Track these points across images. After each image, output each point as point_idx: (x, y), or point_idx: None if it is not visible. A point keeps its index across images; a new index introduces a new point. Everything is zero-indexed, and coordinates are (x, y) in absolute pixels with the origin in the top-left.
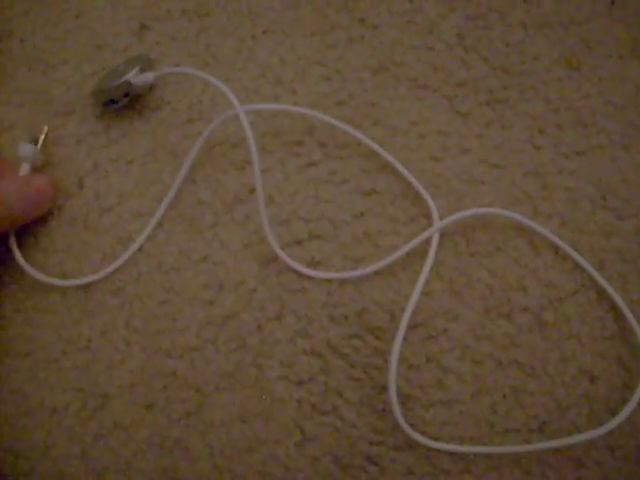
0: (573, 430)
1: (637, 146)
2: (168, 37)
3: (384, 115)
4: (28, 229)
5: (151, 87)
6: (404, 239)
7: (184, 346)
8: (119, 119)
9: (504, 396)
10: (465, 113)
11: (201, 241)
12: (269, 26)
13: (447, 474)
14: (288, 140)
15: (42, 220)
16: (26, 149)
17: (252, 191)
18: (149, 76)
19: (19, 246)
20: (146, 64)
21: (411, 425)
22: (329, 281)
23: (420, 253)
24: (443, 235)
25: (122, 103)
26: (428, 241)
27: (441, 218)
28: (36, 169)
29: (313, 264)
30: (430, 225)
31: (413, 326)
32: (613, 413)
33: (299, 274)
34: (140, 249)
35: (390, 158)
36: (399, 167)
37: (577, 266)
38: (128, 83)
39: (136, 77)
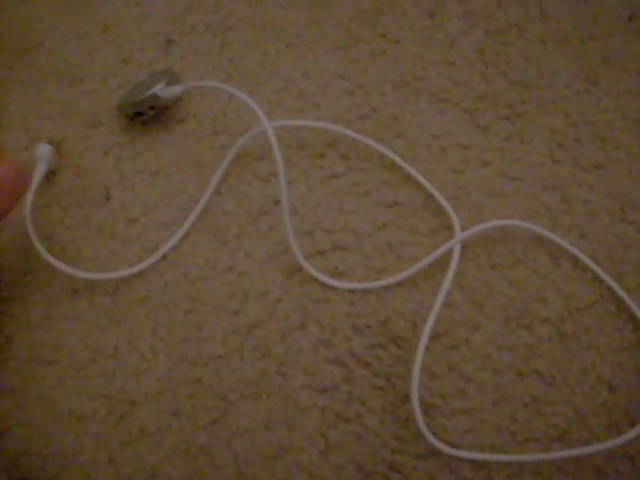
0: (593, 439)
1: None
2: (193, 51)
3: (406, 128)
4: (55, 237)
5: (176, 100)
6: (426, 250)
7: (209, 354)
8: (145, 131)
9: (525, 405)
10: (485, 127)
11: (226, 251)
12: (292, 40)
13: None
14: (311, 152)
15: (69, 229)
16: (42, 149)
17: (276, 202)
18: (176, 89)
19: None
20: (172, 78)
21: (433, 433)
22: (352, 291)
23: (441, 264)
24: (464, 246)
25: (149, 116)
26: (449, 252)
27: (462, 230)
28: (52, 172)
29: (336, 274)
30: (452, 236)
31: (435, 336)
32: (632, 423)
33: (323, 284)
34: (166, 259)
35: (412, 170)
36: (421, 179)
37: (596, 277)
38: (155, 96)
39: (163, 90)
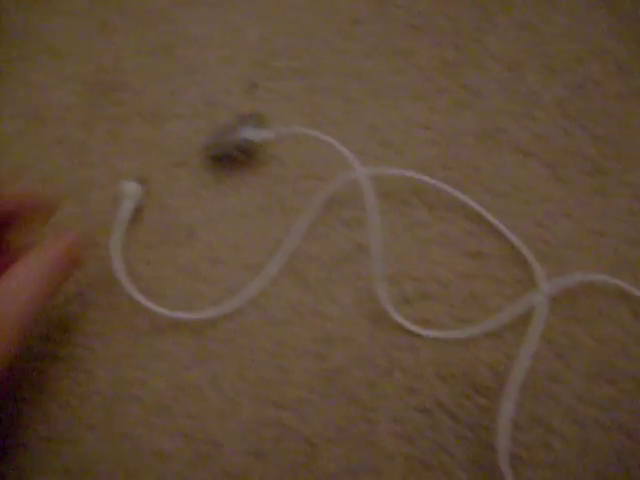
0: None
1: None
2: (277, 95)
3: (489, 180)
4: (139, 275)
5: (263, 143)
6: (510, 300)
7: (294, 398)
8: (230, 172)
9: (609, 459)
10: (567, 180)
11: (311, 296)
12: (376, 88)
13: None
14: (396, 200)
15: (153, 267)
16: (129, 187)
17: (361, 248)
18: (267, 134)
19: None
20: (260, 121)
21: None
22: (437, 340)
23: (525, 315)
24: (547, 298)
25: (238, 159)
26: (533, 303)
27: (547, 282)
28: (138, 209)
29: (422, 323)
30: (535, 288)
31: (519, 387)
32: None
33: (408, 332)
34: (251, 301)
35: (496, 222)
36: (505, 230)
37: None
38: (245, 140)
39: (254, 134)
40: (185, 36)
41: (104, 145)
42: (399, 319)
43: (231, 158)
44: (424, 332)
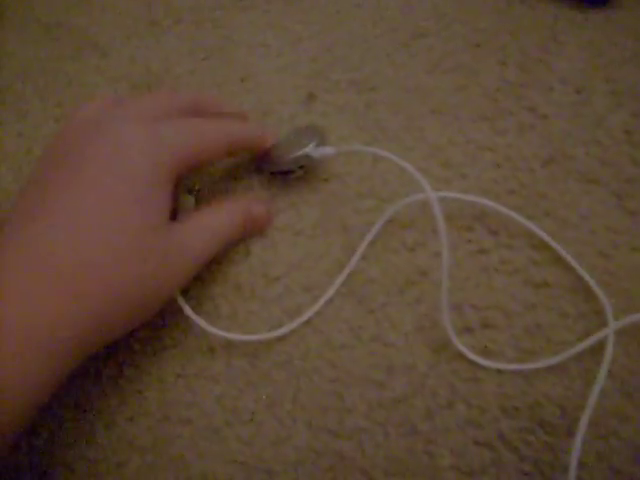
0: None
1: None
2: (336, 108)
3: (554, 207)
4: (191, 293)
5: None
6: (575, 334)
7: (352, 427)
8: (286, 188)
9: None
10: (634, 211)
11: (371, 320)
12: (437, 106)
13: None
14: (459, 225)
15: (206, 285)
16: (188, 202)
17: (423, 273)
18: (330, 151)
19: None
20: (320, 136)
21: None
22: (501, 372)
23: (591, 349)
24: (615, 334)
25: (296, 174)
26: (600, 339)
27: (614, 317)
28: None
29: (485, 353)
30: (602, 322)
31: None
32: None
33: (471, 362)
34: (309, 323)
35: (562, 252)
36: (572, 261)
37: None
38: (307, 156)
39: (316, 151)
40: (239, 41)
41: None
42: (462, 349)
43: (290, 174)
44: (487, 363)
